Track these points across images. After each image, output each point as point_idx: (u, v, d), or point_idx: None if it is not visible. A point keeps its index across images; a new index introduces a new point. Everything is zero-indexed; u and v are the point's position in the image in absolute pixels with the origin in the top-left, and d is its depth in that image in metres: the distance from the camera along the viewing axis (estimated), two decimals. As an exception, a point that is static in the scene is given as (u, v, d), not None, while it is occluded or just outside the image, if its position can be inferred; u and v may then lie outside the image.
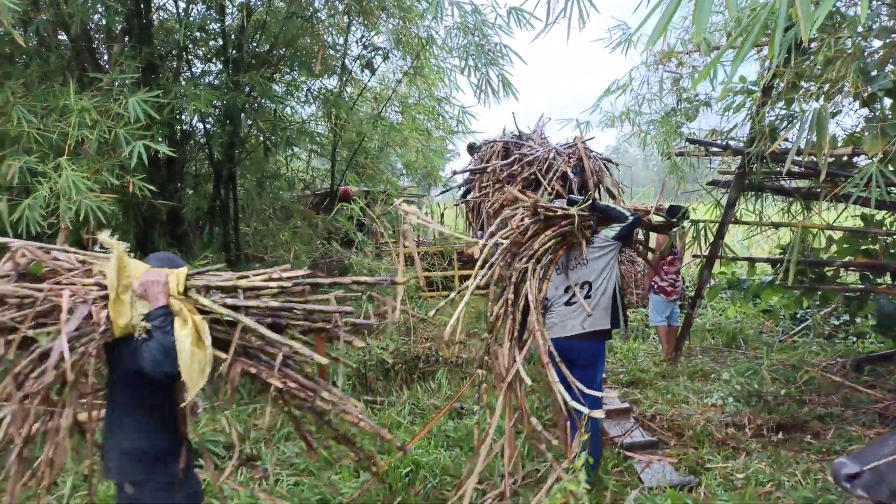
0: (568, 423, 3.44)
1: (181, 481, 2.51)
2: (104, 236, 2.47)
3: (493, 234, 3.66)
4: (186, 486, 2.54)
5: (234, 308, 2.43)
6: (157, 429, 2.49)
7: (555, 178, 7.01)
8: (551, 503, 3.09)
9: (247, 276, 2.59)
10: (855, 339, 6.79)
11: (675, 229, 6.11)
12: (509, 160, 7.77)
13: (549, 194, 6.97)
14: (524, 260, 3.64)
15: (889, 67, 4.19)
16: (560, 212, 3.75)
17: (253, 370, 2.48)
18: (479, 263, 3.55)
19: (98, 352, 2.28)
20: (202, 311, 2.37)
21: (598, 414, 3.17)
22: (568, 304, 3.84)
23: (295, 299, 2.58)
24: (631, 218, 3.88)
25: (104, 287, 2.37)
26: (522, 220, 3.76)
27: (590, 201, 3.86)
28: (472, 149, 8.90)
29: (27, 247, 2.50)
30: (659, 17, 2.14)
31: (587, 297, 3.78)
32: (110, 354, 2.43)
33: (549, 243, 3.68)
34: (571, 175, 7.09)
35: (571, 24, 3.55)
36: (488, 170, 7.77)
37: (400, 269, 3.33)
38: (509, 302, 3.56)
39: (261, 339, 2.50)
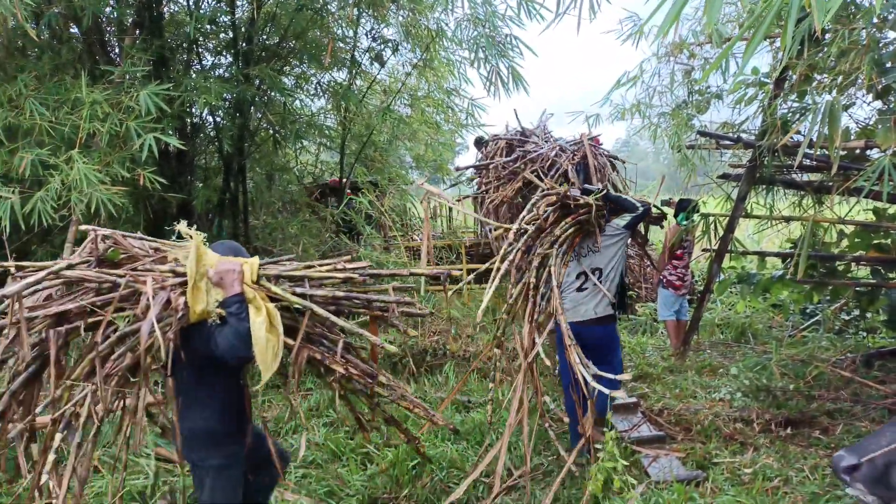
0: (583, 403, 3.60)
1: (235, 464, 2.62)
2: (182, 226, 2.59)
3: (521, 220, 3.85)
4: (237, 470, 2.65)
5: (302, 297, 2.59)
6: (220, 411, 2.59)
7: (557, 175, 6.99)
8: (594, 485, 3.32)
9: (312, 267, 2.74)
10: (865, 334, 6.74)
11: (685, 223, 6.09)
12: (512, 157, 7.74)
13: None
14: (546, 245, 3.78)
15: (904, 60, 4.13)
16: (582, 200, 3.91)
17: (318, 355, 2.64)
18: (503, 249, 3.69)
19: (175, 336, 2.36)
20: (273, 299, 2.50)
21: (620, 394, 3.29)
22: (579, 290, 4.02)
23: (356, 289, 2.76)
24: (641, 208, 4.05)
25: (179, 274, 2.47)
26: (547, 206, 3.92)
27: (603, 192, 4.01)
28: (479, 143, 8.87)
29: (107, 234, 2.62)
30: (670, 7, 2.12)
31: (599, 281, 4.00)
32: (180, 339, 2.49)
33: (569, 231, 3.85)
34: (573, 174, 7.05)
35: (582, 16, 3.54)
36: (490, 167, 7.75)
37: (424, 254, 3.43)
38: (530, 286, 3.67)
39: (322, 325, 2.69)
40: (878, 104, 4.64)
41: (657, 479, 3.78)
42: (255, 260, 2.56)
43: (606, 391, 3.14)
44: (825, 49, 4.35)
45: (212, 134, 7.24)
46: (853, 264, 5.54)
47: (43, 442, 2.43)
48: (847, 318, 7.19)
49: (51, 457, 2.30)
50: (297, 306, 2.57)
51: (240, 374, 2.67)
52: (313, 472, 3.85)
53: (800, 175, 5.47)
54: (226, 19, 6.78)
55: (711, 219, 5.42)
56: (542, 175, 7.03)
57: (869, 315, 6.60)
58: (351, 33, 7.48)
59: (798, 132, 4.75)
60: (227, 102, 6.63)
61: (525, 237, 3.78)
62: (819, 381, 5.36)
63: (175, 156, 6.51)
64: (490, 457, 3.55)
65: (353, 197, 7.93)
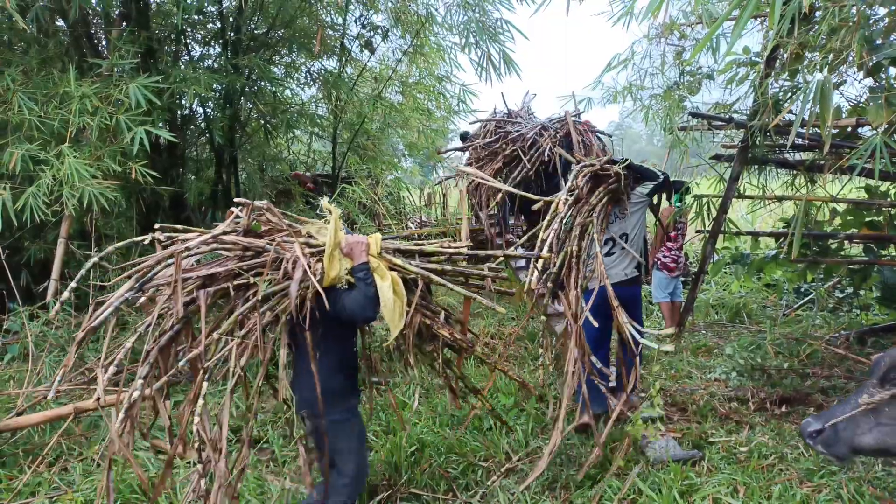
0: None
1: (353, 416, 2.94)
2: (325, 202, 2.92)
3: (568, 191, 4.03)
4: (357, 421, 2.96)
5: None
6: (335, 369, 2.86)
7: (537, 154, 6.96)
8: (635, 430, 3.60)
9: (422, 244, 3.12)
10: (859, 311, 6.78)
11: (678, 205, 6.09)
12: (493, 138, 7.69)
13: (530, 170, 6.97)
14: (584, 214, 3.96)
15: (895, 36, 4.12)
16: (612, 170, 4.13)
17: (428, 321, 3.02)
18: (547, 219, 3.83)
19: (313, 297, 2.64)
20: (392, 269, 2.86)
21: (651, 343, 3.68)
22: (608, 255, 4.26)
23: (459, 266, 3.13)
24: (662, 176, 4.34)
25: (312, 245, 2.79)
26: (582, 178, 4.10)
27: (627, 161, 4.22)
28: (464, 138, 8.77)
29: (259, 206, 2.91)
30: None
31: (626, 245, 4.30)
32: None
33: (604, 199, 4.08)
34: (549, 152, 6.97)
35: None
36: (470, 148, 7.69)
37: (464, 236, 3.58)
38: (572, 253, 3.81)
39: (424, 298, 3.04)
40: (869, 81, 4.63)
41: (654, 459, 3.82)
42: (378, 235, 2.93)
43: (651, 344, 3.54)
44: (815, 27, 4.34)
45: (202, 125, 7.20)
46: (846, 242, 5.57)
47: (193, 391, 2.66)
48: (840, 295, 7.24)
49: (200, 402, 2.51)
50: (411, 276, 2.94)
51: (354, 336, 2.99)
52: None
53: (792, 154, 5.48)
54: (213, 9, 6.71)
55: (705, 200, 5.43)
56: (522, 154, 6.99)
57: (862, 292, 6.65)
58: (340, 20, 7.42)
59: (790, 111, 4.75)
60: (216, 93, 6.58)
61: (568, 208, 3.91)
62: (813, 359, 5.40)
63: (166, 148, 6.47)
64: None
65: (347, 186, 7.91)
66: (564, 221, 3.82)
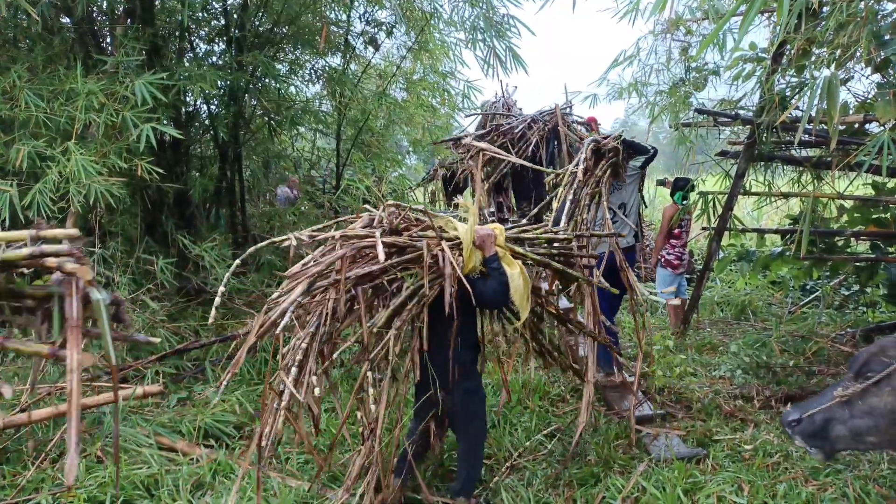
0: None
1: (480, 385, 3.32)
2: (461, 199, 3.23)
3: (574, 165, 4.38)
4: (481, 392, 3.33)
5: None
6: (470, 347, 3.19)
7: (524, 146, 7.17)
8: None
9: (528, 233, 3.46)
10: (865, 309, 6.74)
11: (683, 203, 6.05)
12: (484, 131, 7.91)
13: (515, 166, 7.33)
14: (592, 185, 4.29)
15: (902, 31, 4.08)
16: (611, 144, 4.46)
17: (540, 300, 3.47)
18: (562, 191, 4.16)
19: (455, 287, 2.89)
20: (515, 257, 3.16)
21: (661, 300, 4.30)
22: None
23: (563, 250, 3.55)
24: (652, 150, 4.72)
25: (447, 239, 3.01)
26: (587, 153, 4.42)
27: (621, 137, 4.55)
28: (457, 144, 8.78)
29: (393, 205, 3.19)
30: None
31: (625, 215, 4.72)
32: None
33: (607, 171, 4.42)
34: (535, 146, 7.17)
35: None
36: (462, 141, 7.85)
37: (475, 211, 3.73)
38: (583, 221, 4.14)
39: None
40: (877, 77, 4.60)
41: (658, 457, 3.81)
42: (501, 227, 3.17)
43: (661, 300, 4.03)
44: (823, 22, 4.30)
45: (206, 123, 7.19)
46: (852, 239, 5.53)
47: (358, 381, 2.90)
48: (847, 293, 7.20)
49: (370, 391, 2.83)
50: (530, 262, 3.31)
51: (476, 317, 3.23)
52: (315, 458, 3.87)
53: (798, 151, 5.45)
54: (218, 6, 6.71)
55: (710, 196, 5.41)
56: (511, 147, 7.20)
57: (868, 290, 6.61)
58: (344, 17, 7.41)
59: (797, 108, 4.72)
60: (221, 90, 6.58)
61: (579, 181, 4.21)
62: (819, 357, 5.38)
63: (171, 145, 6.47)
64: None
65: (352, 182, 7.90)
66: (575, 191, 4.11)
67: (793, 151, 5.55)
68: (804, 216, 4.52)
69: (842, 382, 2.52)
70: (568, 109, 7.64)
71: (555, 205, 4.16)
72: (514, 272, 3.02)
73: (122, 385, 4.59)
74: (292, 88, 7.70)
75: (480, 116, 8.75)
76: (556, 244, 3.57)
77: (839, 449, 2.62)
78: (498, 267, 3.00)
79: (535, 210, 4.79)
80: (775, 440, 3.98)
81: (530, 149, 7.10)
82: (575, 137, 7.07)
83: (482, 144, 6.26)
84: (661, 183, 6.83)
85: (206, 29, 7.02)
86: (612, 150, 4.42)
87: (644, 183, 5.10)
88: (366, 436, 2.91)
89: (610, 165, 4.44)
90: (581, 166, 4.17)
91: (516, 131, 7.42)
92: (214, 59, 6.96)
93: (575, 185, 4.08)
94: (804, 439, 2.50)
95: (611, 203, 4.47)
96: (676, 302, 6.53)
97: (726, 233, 5.44)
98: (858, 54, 4.19)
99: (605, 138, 4.53)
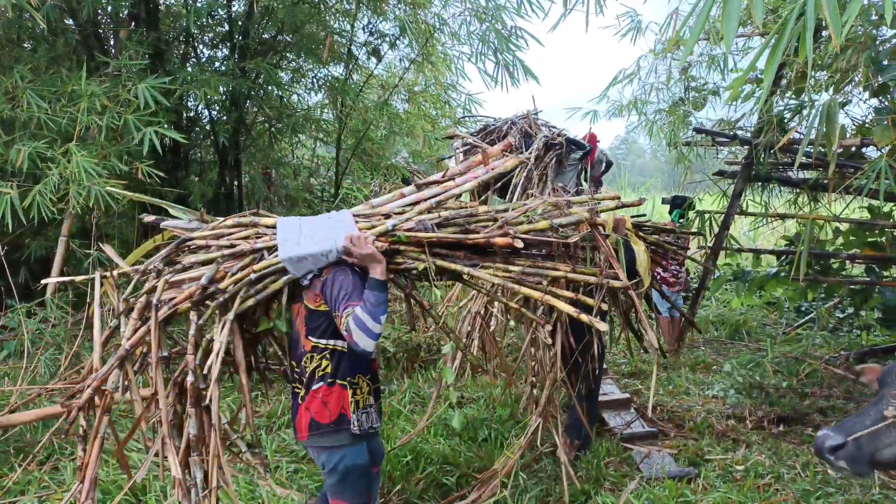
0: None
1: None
2: (606, 188, 3.78)
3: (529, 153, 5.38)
4: None
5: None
6: None
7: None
8: None
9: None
10: (859, 331, 6.75)
11: (680, 221, 6.07)
12: (476, 131, 8.57)
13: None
14: (541, 168, 5.24)
15: (901, 58, 4.12)
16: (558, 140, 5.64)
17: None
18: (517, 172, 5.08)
19: None
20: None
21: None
22: None
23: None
24: (588, 146, 5.69)
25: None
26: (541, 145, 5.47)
27: (563, 135, 5.66)
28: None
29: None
30: (694, 24, 2.18)
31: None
32: None
33: (553, 159, 5.44)
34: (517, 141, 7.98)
35: (588, 11, 3.58)
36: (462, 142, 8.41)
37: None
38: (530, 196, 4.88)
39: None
40: (875, 102, 4.64)
41: (649, 475, 3.79)
42: (626, 214, 3.72)
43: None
44: (822, 46, 4.34)
45: (207, 128, 7.22)
46: (848, 262, 5.55)
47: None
48: (841, 315, 7.20)
49: None
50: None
51: None
52: (305, 468, 3.85)
53: (795, 173, 5.48)
54: (222, 12, 6.75)
55: (707, 216, 5.42)
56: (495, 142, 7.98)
57: (863, 313, 6.62)
58: (348, 27, 7.46)
59: (797, 132, 4.75)
60: (223, 96, 6.61)
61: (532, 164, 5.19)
62: (812, 379, 5.37)
63: (171, 149, 6.49)
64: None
65: (350, 191, 7.92)
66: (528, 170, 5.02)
67: (790, 173, 5.59)
68: (803, 239, 4.52)
69: (885, 401, 2.36)
70: (536, 115, 8.39)
71: (514, 181, 5.06)
72: (640, 248, 3.53)
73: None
74: (294, 96, 7.73)
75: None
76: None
77: (882, 470, 2.46)
78: (629, 247, 3.44)
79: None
80: (767, 461, 3.97)
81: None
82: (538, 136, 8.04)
83: (474, 140, 6.94)
84: (667, 201, 6.90)
85: (210, 35, 7.06)
86: (558, 144, 5.62)
87: (584, 173, 5.99)
88: None
89: (555, 155, 5.56)
90: (534, 154, 5.23)
91: (502, 132, 7.97)
92: (217, 64, 6.99)
93: (528, 168, 5.15)
94: (850, 466, 2.29)
95: (554, 184, 5.35)
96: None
97: (722, 252, 5.45)
98: (857, 79, 4.23)
99: (556, 136, 5.74)
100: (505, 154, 3.85)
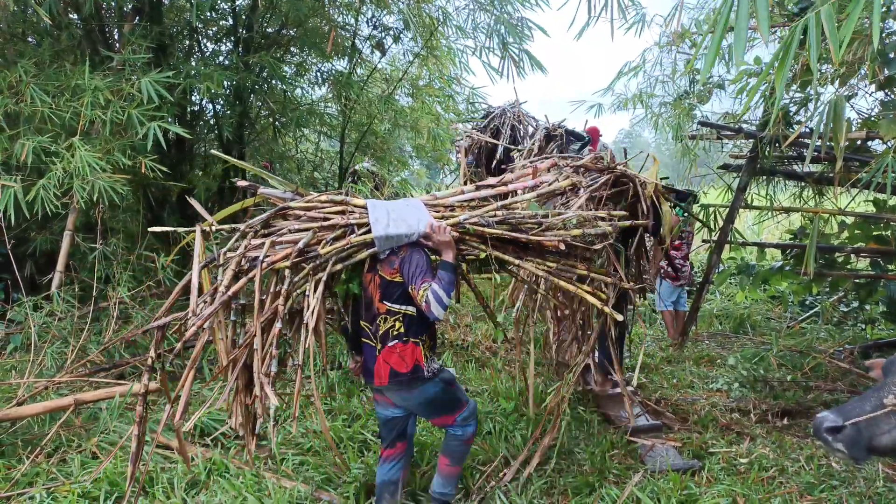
0: None
1: None
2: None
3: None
4: None
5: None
6: None
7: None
8: None
9: None
10: (864, 325, 6.74)
11: (684, 215, 6.06)
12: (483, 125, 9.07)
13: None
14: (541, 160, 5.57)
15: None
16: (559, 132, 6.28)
17: None
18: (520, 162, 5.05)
19: None
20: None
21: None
22: None
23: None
24: (587, 137, 6.14)
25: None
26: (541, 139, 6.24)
27: (563, 127, 6.22)
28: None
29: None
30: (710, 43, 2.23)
31: None
32: None
33: (553, 150, 5.98)
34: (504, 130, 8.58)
35: (613, 16, 3.64)
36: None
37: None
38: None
39: None
40: (881, 95, 4.61)
41: (653, 468, 3.80)
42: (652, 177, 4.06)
43: None
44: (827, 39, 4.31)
45: (211, 122, 7.22)
46: (853, 256, 5.53)
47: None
48: (846, 309, 7.19)
49: None
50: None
51: None
52: (311, 460, 3.86)
53: (801, 168, 5.46)
54: (226, 6, 6.74)
55: (711, 209, 5.41)
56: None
57: (868, 307, 6.61)
58: (352, 21, 7.44)
59: (805, 126, 4.73)
60: (227, 90, 6.61)
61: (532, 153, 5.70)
62: (817, 373, 5.37)
63: (175, 144, 6.49)
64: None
65: (354, 185, 7.92)
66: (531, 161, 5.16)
67: (795, 167, 5.57)
68: (811, 234, 4.50)
69: (887, 388, 2.38)
70: (520, 106, 9.02)
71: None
72: (666, 208, 3.82)
73: (119, 382, 4.59)
74: (298, 91, 7.73)
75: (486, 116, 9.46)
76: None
77: (879, 456, 2.53)
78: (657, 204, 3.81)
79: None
80: (771, 454, 3.97)
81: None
82: (528, 126, 8.51)
83: (474, 132, 7.96)
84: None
85: (214, 29, 7.05)
86: (559, 136, 6.15)
87: None
88: None
89: (556, 146, 6.09)
90: (536, 145, 5.77)
91: (500, 119, 8.69)
92: (221, 58, 6.99)
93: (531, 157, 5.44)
94: (848, 448, 2.32)
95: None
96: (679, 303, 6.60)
97: (727, 246, 5.44)
98: (863, 71, 4.21)
99: (555, 128, 6.29)
100: (551, 170, 3.91)
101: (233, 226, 3.03)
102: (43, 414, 3.98)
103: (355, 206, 3.05)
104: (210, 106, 7.18)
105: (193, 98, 6.77)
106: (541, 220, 3.18)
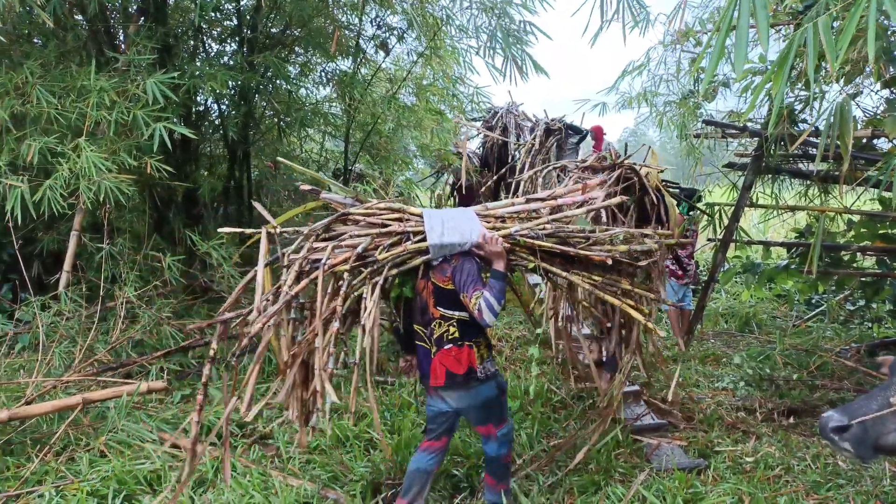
0: None
1: None
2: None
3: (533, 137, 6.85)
4: None
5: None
6: None
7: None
8: None
9: None
10: (870, 324, 6.72)
11: (689, 214, 6.06)
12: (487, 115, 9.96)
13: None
14: (543, 153, 6.39)
15: (913, 48, 4.08)
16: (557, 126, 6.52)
17: None
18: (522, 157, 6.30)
19: None
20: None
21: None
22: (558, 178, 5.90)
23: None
24: (585, 132, 6.46)
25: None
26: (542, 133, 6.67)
27: (563, 121, 6.43)
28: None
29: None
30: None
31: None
32: None
33: (553, 144, 6.46)
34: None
35: (626, 22, 3.68)
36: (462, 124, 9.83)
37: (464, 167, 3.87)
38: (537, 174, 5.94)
39: None
40: (886, 93, 4.60)
41: (659, 467, 3.80)
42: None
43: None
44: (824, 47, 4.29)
45: (216, 122, 7.24)
46: (859, 254, 5.52)
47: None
48: (852, 308, 7.18)
49: None
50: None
51: None
52: (317, 458, 3.88)
53: (805, 165, 5.45)
54: (230, 7, 6.76)
55: (717, 208, 5.41)
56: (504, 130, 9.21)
57: (874, 305, 6.59)
58: (356, 21, 7.45)
59: (807, 123, 4.72)
60: (231, 90, 6.62)
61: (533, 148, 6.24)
62: (823, 371, 5.36)
63: (180, 144, 6.51)
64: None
65: (359, 184, 7.92)
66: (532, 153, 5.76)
67: (800, 165, 5.56)
68: (816, 232, 4.50)
69: (891, 387, 2.35)
70: (518, 107, 9.64)
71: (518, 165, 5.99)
72: (671, 203, 4.05)
73: (127, 381, 4.62)
74: (303, 91, 7.74)
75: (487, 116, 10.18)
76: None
77: (885, 455, 2.54)
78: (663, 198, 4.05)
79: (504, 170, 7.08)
80: (777, 453, 3.97)
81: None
82: (526, 124, 8.98)
83: (484, 130, 8.57)
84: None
85: (219, 29, 7.07)
86: (558, 130, 6.51)
87: (578, 157, 6.46)
88: None
89: (556, 140, 6.53)
90: (538, 139, 6.19)
91: (503, 118, 9.39)
92: (226, 59, 7.00)
93: (532, 152, 6.07)
94: (854, 447, 2.32)
95: (555, 166, 5.90)
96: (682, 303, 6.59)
97: (732, 244, 5.43)
98: (868, 69, 4.20)
99: (555, 123, 6.70)
100: (601, 187, 3.97)
101: (296, 229, 3.14)
102: (51, 413, 4.01)
103: (412, 214, 3.16)
104: (215, 106, 7.19)
105: (198, 98, 6.78)
106: (588, 234, 3.28)
